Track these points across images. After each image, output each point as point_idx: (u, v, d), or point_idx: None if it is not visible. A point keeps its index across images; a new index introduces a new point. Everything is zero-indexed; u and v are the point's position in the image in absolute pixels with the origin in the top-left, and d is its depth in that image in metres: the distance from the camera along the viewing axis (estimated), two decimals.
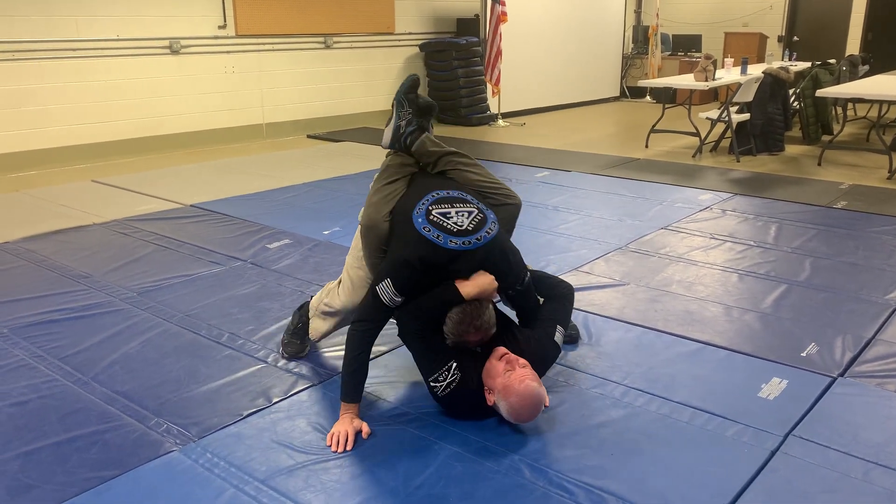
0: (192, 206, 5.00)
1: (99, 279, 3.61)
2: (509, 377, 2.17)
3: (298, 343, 2.81)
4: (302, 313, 2.80)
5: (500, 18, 8.32)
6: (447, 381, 2.23)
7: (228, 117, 7.58)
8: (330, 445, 2.22)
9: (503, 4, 8.28)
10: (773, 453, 2.18)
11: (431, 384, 2.27)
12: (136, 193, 5.34)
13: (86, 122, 6.53)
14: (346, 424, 2.26)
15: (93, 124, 6.58)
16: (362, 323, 2.30)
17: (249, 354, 2.83)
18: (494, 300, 2.38)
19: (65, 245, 4.14)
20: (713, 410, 2.41)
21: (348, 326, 2.37)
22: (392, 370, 2.71)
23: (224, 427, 2.33)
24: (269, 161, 6.63)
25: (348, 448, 2.21)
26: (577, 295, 3.29)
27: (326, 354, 2.83)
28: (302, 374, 2.66)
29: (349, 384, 2.30)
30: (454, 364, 2.24)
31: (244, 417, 2.39)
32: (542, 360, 2.39)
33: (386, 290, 2.23)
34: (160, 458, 2.17)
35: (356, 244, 2.58)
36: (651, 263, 3.86)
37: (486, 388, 2.25)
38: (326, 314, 2.67)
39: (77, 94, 6.43)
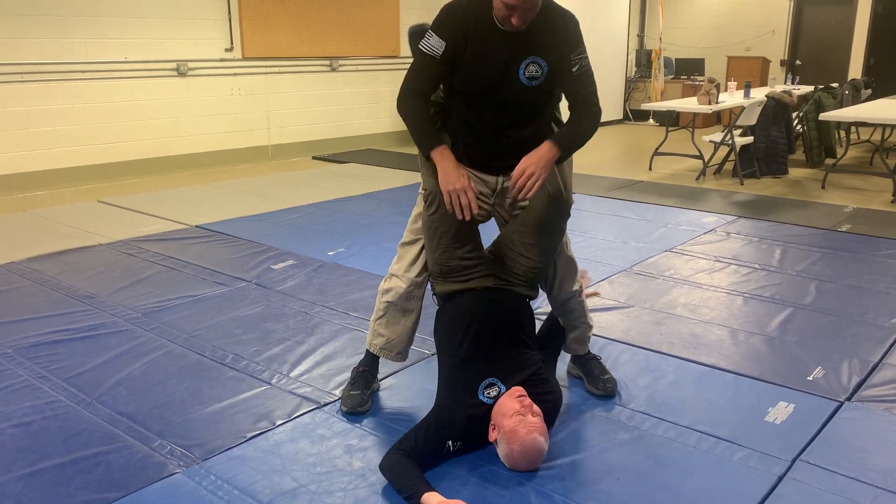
0: (197, 226, 5.02)
1: (104, 299, 3.61)
2: (519, 422, 2.12)
3: (358, 394, 2.57)
4: (362, 361, 2.66)
5: None
6: (452, 451, 2.21)
7: (235, 139, 7.63)
8: (451, 209, 2.24)
9: None
10: (780, 478, 2.16)
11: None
12: (141, 214, 5.36)
13: (93, 143, 6.57)
14: (457, 177, 2.22)
15: (100, 145, 6.62)
16: (407, 93, 2.29)
17: (253, 376, 2.82)
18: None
19: (70, 265, 4.15)
20: (720, 435, 2.39)
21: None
22: (399, 390, 2.70)
23: (228, 449, 2.32)
24: (274, 182, 6.66)
25: (473, 209, 2.24)
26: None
27: (333, 377, 2.81)
28: (306, 397, 2.65)
29: (426, 133, 2.29)
30: (449, 443, 2.19)
31: (248, 440, 2.38)
32: (556, 410, 2.37)
33: (427, 39, 2.24)
34: (163, 480, 2.16)
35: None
36: (656, 286, 3.85)
37: (492, 423, 2.21)
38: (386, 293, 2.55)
39: (85, 116, 6.48)
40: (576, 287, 2.60)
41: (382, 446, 2.33)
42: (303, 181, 6.72)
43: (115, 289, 3.77)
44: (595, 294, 2.86)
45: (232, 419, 2.50)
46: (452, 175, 2.25)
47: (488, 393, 2.24)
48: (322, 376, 2.82)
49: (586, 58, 2.34)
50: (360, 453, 2.30)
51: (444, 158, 2.27)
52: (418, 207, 2.49)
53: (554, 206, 2.37)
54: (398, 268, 2.52)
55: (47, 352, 3.01)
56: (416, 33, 2.38)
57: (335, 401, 2.61)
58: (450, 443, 2.19)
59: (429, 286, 2.52)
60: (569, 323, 2.66)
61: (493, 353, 2.32)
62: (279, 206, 5.62)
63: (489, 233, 2.50)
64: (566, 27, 2.29)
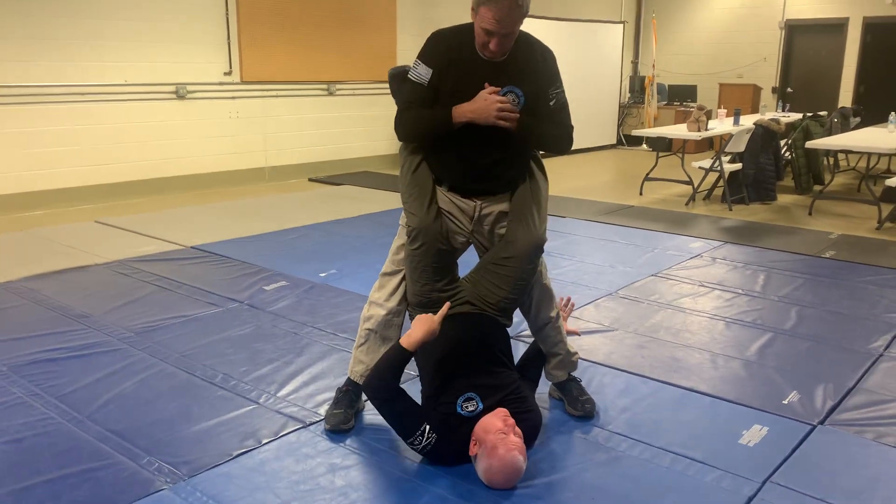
0: (192, 247, 5.10)
1: (98, 319, 3.68)
2: (501, 439, 2.20)
3: (341, 412, 2.63)
4: (346, 381, 2.71)
5: None
6: (423, 443, 2.29)
7: (232, 161, 7.74)
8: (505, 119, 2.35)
9: None
10: (750, 499, 2.23)
11: (410, 445, 2.33)
12: (138, 234, 5.44)
13: (93, 163, 6.67)
14: (484, 106, 2.33)
15: (99, 166, 6.72)
16: (404, 110, 2.43)
17: (242, 395, 2.89)
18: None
19: (66, 284, 4.22)
20: (694, 456, 2.46)
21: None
22: None
23: (214, 466, 2.38)
24: (270, 204, 6.75)
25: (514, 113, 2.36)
26: (570, 341, 3.39)
27: (319, 397, 2.88)
28: (292, 416, 2.72)
29: (434, 115, 2.41)
30: (427, 427, 2.28)
31: (234, 457, 2.44)
32: (535, 430, 2.46)
33: (415, 68, 2.38)
34: (150, 496, 2.22)
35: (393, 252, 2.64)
36: (640, 310, 3.93)
37: (473, 438, 2.29)
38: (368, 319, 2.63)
39: (84, 137, 6.59)
40: (552, 314, 2.68)
41: (365, 465, 2.40)
42: (298, 203, 6.82)
43: (109, 308, 3.84)
44: (574, 332, 2.95)
45: (219, 437, 2.57)
46: (478, 105, 2.33)
47: (466, 406, 2.32)
48: (309, 396, 2.88)
49: (563, 92, 2.45)
50: (342, 471, 2.36)
51: (461, 107, 2.36)
52: (400, 239, 2.58)
53: (531, 250, 2.47)
54: (379, 296, 2.61)
55: (41, 370, 3.08)
56: (397, 75, 2.50)
57: (320, 420, 2.68)
58: (426, 426, 2.28)
59: (408, 314, 2.60)
60: (547, 349, 2.74)
61: (471, 372, 2.40)
62: (274, 228, 5.70)
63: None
64: (545, 62, 2.40)
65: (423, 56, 2.39)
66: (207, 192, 7.39)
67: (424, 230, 2.42)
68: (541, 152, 2.65)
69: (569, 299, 2.98)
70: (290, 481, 2.31)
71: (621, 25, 11.60)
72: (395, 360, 2.35)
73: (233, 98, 7.60)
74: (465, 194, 2.53)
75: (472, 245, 2.65)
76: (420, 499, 2.21)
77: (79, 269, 4.54)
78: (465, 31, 2.36)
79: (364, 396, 2.76)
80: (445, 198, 2.53)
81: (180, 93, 7.16)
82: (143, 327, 3.58)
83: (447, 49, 2.38)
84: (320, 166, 8.46)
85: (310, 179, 8.22)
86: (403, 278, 2.57)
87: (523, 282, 2.50)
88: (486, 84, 2.34)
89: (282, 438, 2.57)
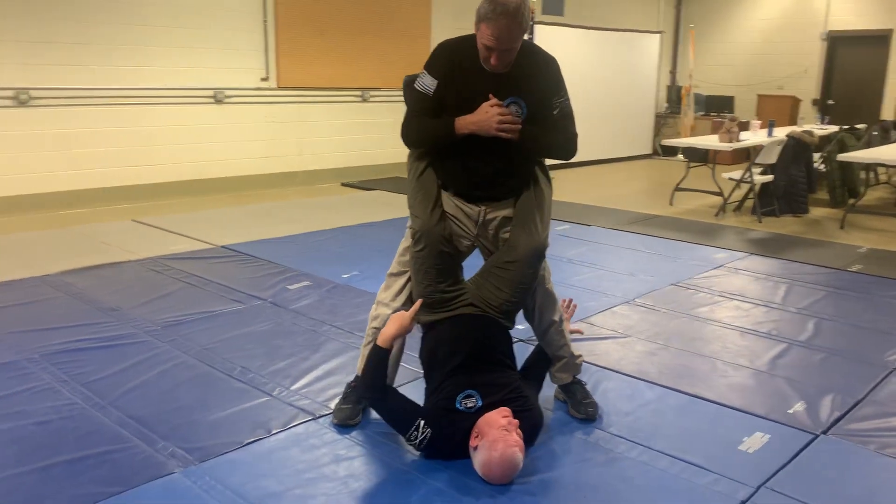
0: (223, 246, 5.26)
1: (127, 312, 3.84)
2: (503, 435, 2.27)
3: (349, 408, 2.72)
4: (355, 378, 2.80)
5: None
6: (419, 439, 2.37)
7: (267, 164, 7.93)
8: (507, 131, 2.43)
9: None
10: (743, 503, 2.25)
11: (406, 440, 2.42)
12: (172, 233, 5.63)
13: (133, 164, 6.91)
14: (486, 117, 2.41)
15: (139, 167, 6.96)
16: (411, 119, 2.54)
17: (257, 387, 3.00)
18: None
19: (100, 279, 4.40)
20: (691, 460, 2.49)
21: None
22: None
23: (225, 453, 2.49)
24: (301, 207, 6.91)
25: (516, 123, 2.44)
26: (578, 345, 3.44)
27: (330, 392, 2.97)
28: (303, 409, 2.82)
29: (439, 123, 2.51)
30: (421, 422, 2.36)
31: (244, 445, 2.55)
32: (535, 429, 2.52)
33: (420, 79, 2.47)
34: (162, 478, 2.33)
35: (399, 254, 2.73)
36: (655, 318, 3.95)
37: (475, 431, 2.36)
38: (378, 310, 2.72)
39: (126, 139, 6.83)
40: (555, 317, 2.73)
41: (368, 457, 2.49)
42: (329, 206, 6.96)
43: (139, 303, 4.00)
44: (578, 332, 3.00)
45: (232, 426, 2.68)
46: (480, 117, 2.41)
47: (465, 403, 2.39)
48: (320, 390, 2.98)
49: (567, 101, 2.51)
50: (345, 462, 2.45)
51: (464, 118, 2.44)
52: (406, 241, 2.67)
53: (532, 255, 2.53)
54: (385, 296, 2.70)
55: (70, 358, 3.23)
56: (410, 82, 2.59)
57: (329, 413, 2.77)
58: (420, 422, 2.36)
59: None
60: (552, 353, 2.79)
61: (473, 371, 2.47)
62: (303, 230, 5.84)
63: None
64: (548, 72, 2.47)
65: (429, 67, 2.49)
66: (242, 194, 7.58)
67: (427, 233, 2.51)
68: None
69: (570, 301, 3.03)
70: (295, 469, 2.40)
71: (658, 35, 11.57)
72: (374, 358, 2.46)
73: (269, 103, 7.80)
74: (470, 200, 2.60)
75: (477, 249, 2.72)
76: (418, 491, 2.29)
77: (113, 265, 4.73)
78: (469, 43, 2.44)
79: None
80: (451, 203, 2.62)
81: (218, 97, 7.37)
82: (169, 321, 3.72)
83: (451, 60, 2.46)
84: (353, 171, 8.61)
85: (342, 184, 8.37)
86: (409, 279, 2.65)
87: (525, 285, 2.56)
88: (490, 96, 2.42)
89: (291, 429, 2.67)
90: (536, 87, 2.47)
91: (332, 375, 3.12)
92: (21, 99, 6.12)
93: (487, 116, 2.39)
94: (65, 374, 3.07)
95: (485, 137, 2.44)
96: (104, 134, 6.69)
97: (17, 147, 6.20)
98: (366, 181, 8.43)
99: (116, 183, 6.84)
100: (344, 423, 2.67)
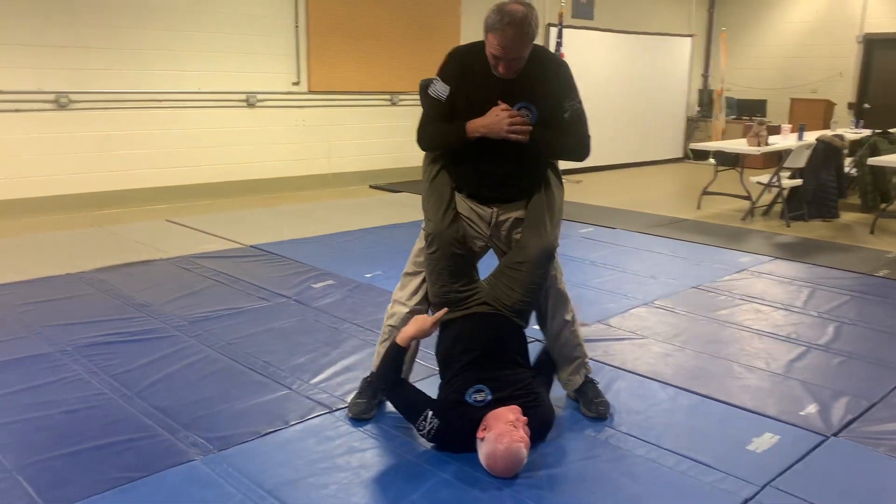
0: (251, 246, 5.39)
1: (157, 308, 3.97)
2: (509, 430, 2.33)
3: (364, 402, 2.79)
4: (370, 375, 2.87)
5: None
6: (427, 428, 2.43)
7: (297, 166, 8.08)
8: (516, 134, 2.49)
9: None
10: (747, 501, 2.28)
11: (417, 430, 2.49)
12: (203, 233, 5.78)
13: (167, 166, 7.10)
14: (496, 121, 2.46)
15: (173, 168, 7.14)
16: (425, 124, 2.61)
17: (277, 381, 3.09)
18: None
19: (132, 277, 4.55)
20: (698, 458, 2.52)
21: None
22: None
23: (243, 443, 2.59)
24: (329, 208, 7.03)
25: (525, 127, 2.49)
26: (594, 346, 3.50)
27: (346, 386, 3.06)
28: (320, 402, 2.91)
29: (450, 129, 2.57)
30: (430, 412, 2.43)
31: (262, 436, 2.64)
32: (545, 425, 2.58)
33: (433, 85, 2.54)
34: (183, 465, 2.43)
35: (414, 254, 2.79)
36: (673, 320, 3.97)
37: (483, 423, 2.42)
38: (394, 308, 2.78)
39: (160, 141, 7.02)
40: (568, 317, 2.78)
41: (380, 449, 2.56)
42: (356, 208, 7.07)
43: (168, 299, 4.13)
44: (584, 325, 3.04)
45: (251, 417, 2.77)
46: (490, 120, 2.47)
47: (475, 397, 2.45)
48: (338, 385, 3.07)
49: (578, 104, 2.56)
50: (358, 453, 2.53)
51: (475, 122, 2.50)
52: (420, 242, 2.74)
53: (542, 256, 2.59)
54: (401, 295, 2.77)
55: (100, 351, 3.37)
56: (425, 87, 2.67)
57: (345, 407, 2.85)
58: (429, 412, 2.43)
59: (430, 313, 2.76)
60: (564, 354, 2.82)
61: (485, 367, 2.54)
62: (330, 231, 5.95)
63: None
64: (558, 76, 2.52)
65: (441, 73, 2.56)
66: (272, 195, 7.73)
67: (439, 235, 2.58)
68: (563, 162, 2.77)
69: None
70: (310, 459, 2.49)
71: (690, 39, 11.51)
72: (390, 353, 2.56)
73: (300, 107, 7.94)
74: (483, 201, 2.67)
75: (491, 249, 2.79)
76: (427, 482, 2.35)
77: (145, 263, 4.88)
78: (480, 49, 2.50)
79: None
80: (465, 204, 2.68)
81: (250, 101, 7.53)
82: (196, 317, 3.84)
83: (462, 66, 2.53)
84: (381, 174, 8.72)
85: (370, 186, 8.48)
86: (424, 279, 2.72)
87: (536, 285, 2.62)
88: (499, 101, 2.48)
89: (308, 421, 2.75)
90: (547, 91, 2.52)
91: (350, 371, 3.20)
92: (61, 102, 6.34)
93: (498, 120, 2.46)
94: (95, 366, 3.19)
95: (496, 140, 2.50)
96: (140, 136, 6.89)
97: (57, 149, 6.42)
98: (393, 183, 8.53)
99: (151, 184, 7.03)
100: (358, 417, 2.75)
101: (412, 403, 2.49)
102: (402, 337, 2.55)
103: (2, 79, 6.05)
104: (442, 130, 2.60)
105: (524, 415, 2.41)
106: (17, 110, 6.16)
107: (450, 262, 2.60)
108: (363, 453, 2.54)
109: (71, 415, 2.77)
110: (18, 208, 6.28)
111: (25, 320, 3.74)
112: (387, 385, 2.56)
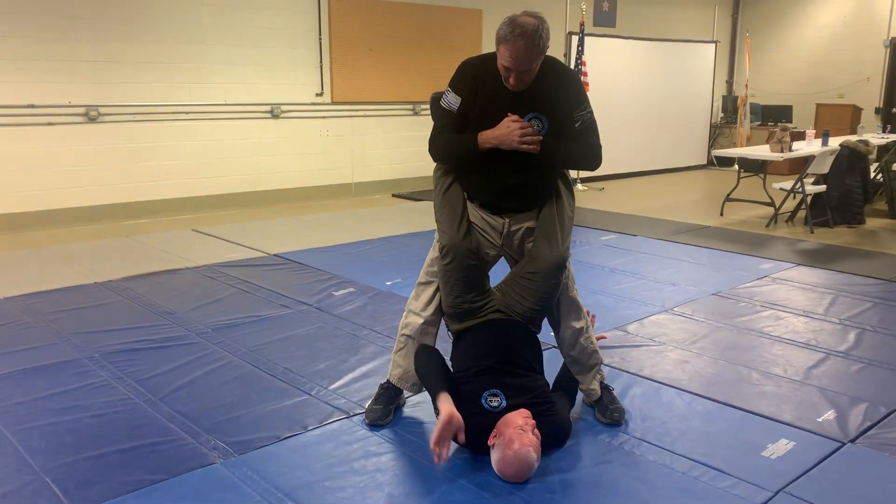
0: (275, 255, 5.48)
1: (181, 316, 4.06)
2: (519, 435, 2.37)
3: (380, 408, 2.83)
4: (387, 381, 2.91)
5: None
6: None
7: (321, 176, 8.19)
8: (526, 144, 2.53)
9: (584, 75, 8.60)
10: None
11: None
12: (228, 242, 5.89)
13: (193, 177, 7.24)
14: (506, 132, 2.51)
15: (199, 179, 7.28)
16: (437, 134, 2.69)
17: (297, 387, 3.15)
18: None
19: (158, 285, 4.66)
20: (712, 464, 2.53)
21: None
22: (421, 407, 2.96)
23: (263, 447, 2.65)
24: (352, 217, 7.11)
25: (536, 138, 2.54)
26: (611, 352, 3.53)
27: (364, 392, 3.11)
28: (338, 407, 2.96)
29: (463, 139, 2.63)
30: None
31: (281, 440, 2.70)
32: (559, 432, 2.61)
33: (445, 96, 2.60)
34: (204, 468, 2.50)
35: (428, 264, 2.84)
36: (691, 327, 3.97)
37: (494, 430, 2.46)
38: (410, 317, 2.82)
39: (186, 152, 7.17)
40: (580, 325, 2.80)
41: (396, 453, 2.61)
42: (379, 217, 7.15)
43: (192, 307, 4.22)
44: (602, 337, 3.06)
45: (271, 422, 2.83)
46: (501, 132, 2.53)
47: (490, 401, 2.49)
48: (356, 391, 3.12)
49: (590, 113, 2.59)
50: (375, 458, 2.58)
51: (486, 133, 2.55)
52: (433, 252, 2.79)
53: (553, 266, 2.62)
54: (416, 305, 2.82)
55: (126, 357, 3.46)
56: (437, 99, 2.72)
57: (363, 412, 2.90)
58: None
59: (443, 323, 2.80)
60: (582, 362, 2.83)
61: (500, 373, 2.57)
62: (352, 239, 6.03)
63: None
64: (568, 86, 2.56)
65: (453, 84, 2.61)
66: (297, 205, 7.84)
67: (454, 247, 2.63)
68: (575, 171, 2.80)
69: (588, 311, 3.09)
70: (327, 463, 2.54)
71: (713, 45, 11.46)
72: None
73: (323, 117, 8.06)
74: (495, 211, 2.71)
75: (502, 257, 2.82)
76: (441, 485, 2.39)
77: (170, 271, 4.99)
78: (491, 60, 2.55)
79: (405, 393, 2.97)
80: (477, 214, 2.73)
81: (275, 112, 7.66)
82: (219, 324, 3.93)
83: (474, 78, 2.58)
84: (404, 183, 8.79)
85: (393, 195, 8.56)
86: (437, 289, 2.76)
87: (548, 295, 2.65)
88: (509, 113, 2.52)
89: (326, 426, 2.81)
90: (557, 102, 2.56)
91: (368, 377, 3.26)
92: (91, 115, 6.50)
93: (509, 131, 2.50)
94: (121, 372, 3.28)
95: (507, 151, 2.55)
96: (167, 148, 7.03)
97: (87, 161, 6.59)
98: (415, 192, 8.60)
99: (178, 195, 7.17)
100: (375, 423, 2.80)
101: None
102: (436, 405, 2.51)
103: (35, 94, 6.23)
104: (454, 141, 2.64)
105: (538, 421, 2.44)
106: (49, 124, 6.34)
107: (464, 273, 2.64)
108: (379, 457, 2.58)
109: (97, 419, 2.85)
110: (50, 219, 6.45)
111: (55, 327, 3.85)
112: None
